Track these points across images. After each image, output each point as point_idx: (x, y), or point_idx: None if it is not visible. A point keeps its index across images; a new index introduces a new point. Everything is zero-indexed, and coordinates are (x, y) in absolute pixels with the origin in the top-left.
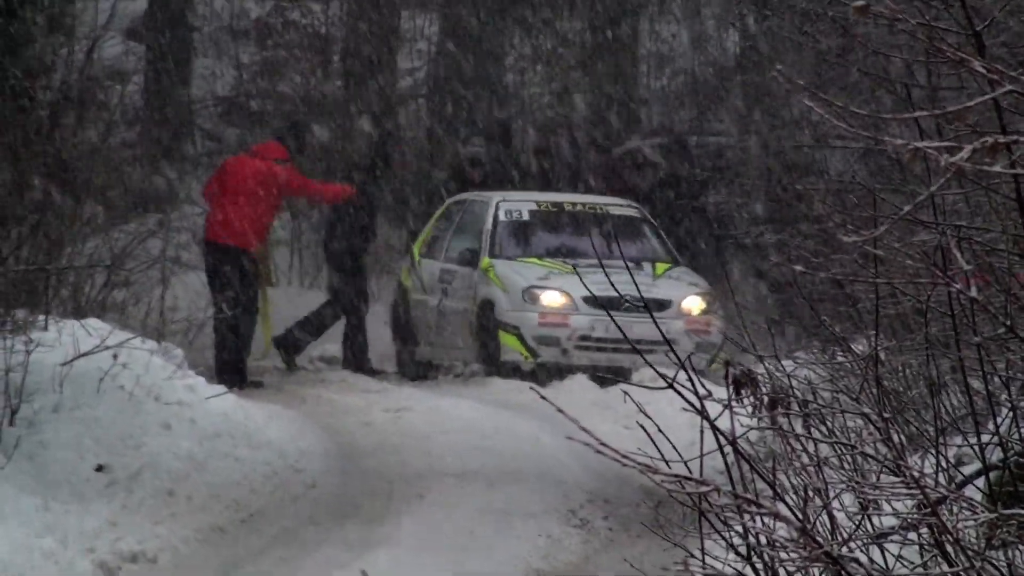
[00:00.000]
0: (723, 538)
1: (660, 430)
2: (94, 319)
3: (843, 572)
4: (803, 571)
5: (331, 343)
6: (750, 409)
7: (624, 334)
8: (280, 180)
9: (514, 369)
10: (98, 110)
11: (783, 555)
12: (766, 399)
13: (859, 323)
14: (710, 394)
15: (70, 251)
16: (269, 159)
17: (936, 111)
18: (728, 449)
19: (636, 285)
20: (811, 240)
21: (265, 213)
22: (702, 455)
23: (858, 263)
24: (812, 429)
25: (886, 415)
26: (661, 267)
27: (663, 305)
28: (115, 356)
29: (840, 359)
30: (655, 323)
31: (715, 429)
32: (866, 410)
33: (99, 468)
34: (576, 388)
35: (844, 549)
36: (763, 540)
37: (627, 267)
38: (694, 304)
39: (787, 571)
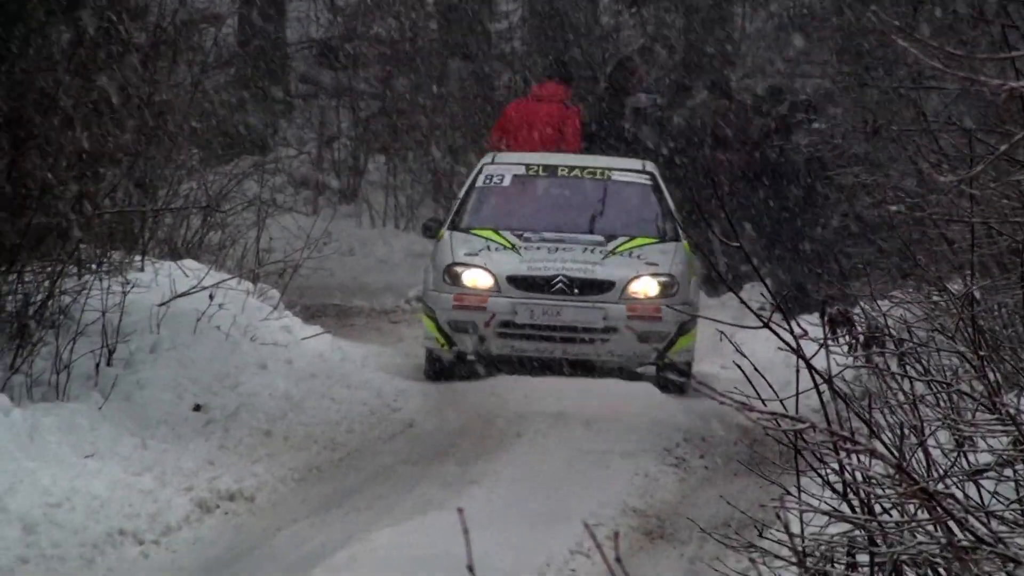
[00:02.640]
0: (819, 475)
1: (756, 369)
2: (190, 260)
3: (939, 508)
4: (899, 508)
5: None
6: (846, 348)
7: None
8: (572, 122)
9: (435, 360)
10: (192, 53)
11: (879, 492)
12: (862, 338)
13: (955, 263)
14: (806, 333)
15: (166, 193)
16: (556, 101)
17: None
18: (824, 388)
19: (576, 264)
20: (907, 180)
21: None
22: (798, 394)
23: (954, 203)
24: (908, 368)
25: (981, 353)
26: (630, 243)
27: (603, 287)
28: (211, 297)
29: (936, 299)
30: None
31: (811, 368)
32: (961, 349)
33: (196, 408)
34: None
35: (940, 485)
36: (859, 477)
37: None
38: (642, 287)
39: (883, 507)
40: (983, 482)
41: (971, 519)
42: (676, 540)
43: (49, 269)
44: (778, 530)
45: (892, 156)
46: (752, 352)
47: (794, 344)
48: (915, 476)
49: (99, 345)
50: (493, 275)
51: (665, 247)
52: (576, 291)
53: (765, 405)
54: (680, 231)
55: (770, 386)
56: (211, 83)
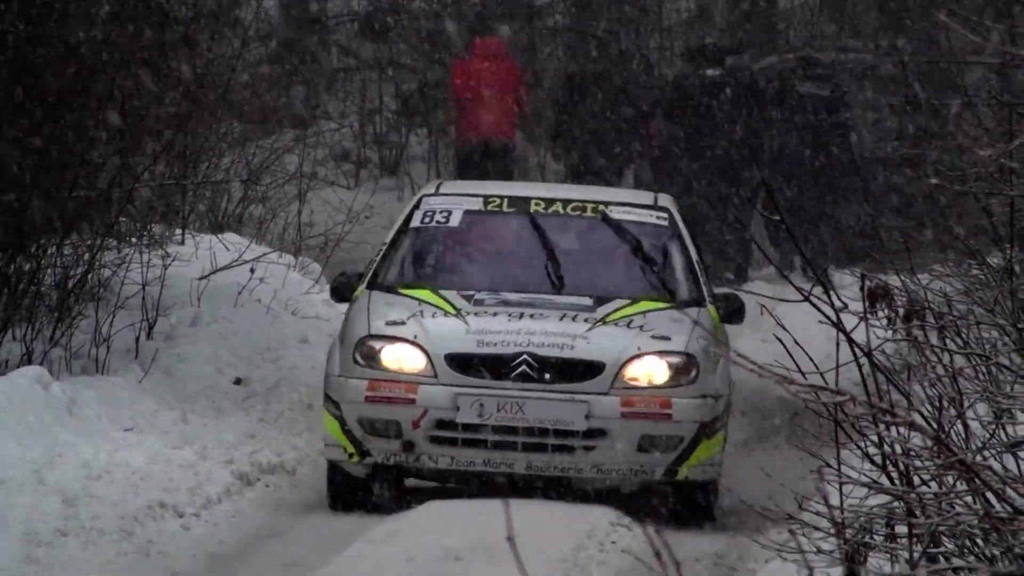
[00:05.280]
0: (858, 447)
1: (796, 342)
2: (231, 234)
3: (977, 480)
4: (937, 479)
5: None
6: (885, 321)
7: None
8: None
9: (342, 476)
10: (233, 26)
11: (917, 464)
12: (901, 311)
13: (994, 236)
14: (846, 307)
15: (207, 166)
16: (503, 57)
17: None
18: (864, 361)
19: (553, 336)
20: (947, 154)
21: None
22: (838, 367)
23: (993, 177)
24: (947, 340)
25: (1021, 326)
26: (631, 308)
27: (589, 370)
28: (252, 270)
29: (975, 272)
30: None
31: (851, 341)
32: (1001, 321)
33: (237, 381)
34: None
35: (978, 457)
36: (898, 449)
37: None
38: (646, 370)
39: (921, 479)
40: (1021, 454)
41: (1009, 490)
42: (721, 509)
43: (89, 242)
44: (817, 502)
45: (932, 130)
46: (792, 326)
47: (834, 317)
48: (954, 448)
49: (139, 319)
50: (427, 353)
51: (680, 314)
52: (547, 377)
53: (805, 378)
54: (706, 291)
55: (810, 359)
56: (253, 56)
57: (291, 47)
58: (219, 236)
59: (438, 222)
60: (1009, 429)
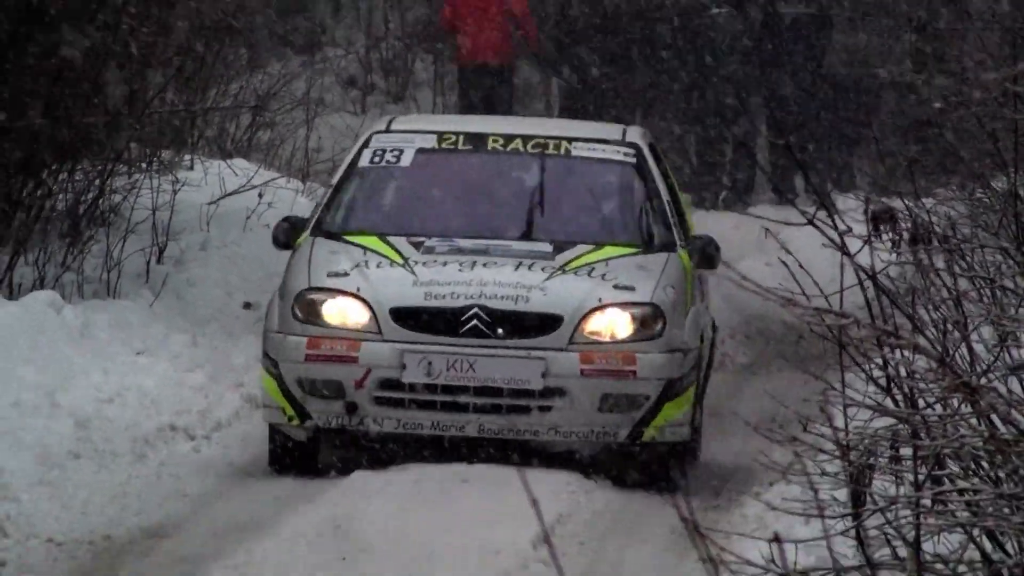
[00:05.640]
0: (863, 371)
1: (801, 266)
2: (240, 159)
3: (981, 402)
4: (942, 402)
5: None
6: (890, 245)
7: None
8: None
9: (283, 438)
10: None
11: (922, 386)
12: (906, 235)
13: (998, 160)
14: (850, 230)
15: (215, 92)
16: None
17: None
18: (868, 284)
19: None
20: (952, 78)
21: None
22: (842, 290)
23: (998, 101)
24: (951, 264)
25: None
26: (594, 255)
27: (546, 324)
28: (260, 195)
29: (979, 196)
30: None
31: (855, 264)
32: (1005, 244)
33: (246, 306)
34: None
35: (983, 380)
36: (902, 372)
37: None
38: (607, 324)
39: (926, 402)
40: None
41: (1014, 412)
42: (726, 433)
43: (100, 168)
44: (822, 425)
45: (937, 54)
46: (796, 249)
47: (838, 241)
48: (958, 371)
49: (149, 243)
50: (370, 307)
51: (649, 260)
52: (500, 332)
53: (809, 301)
54: (678, 235)
55: (815, 282)
56: None
57: None
58: (228, 161)
59: (388, 162)
60: (1013, 352)
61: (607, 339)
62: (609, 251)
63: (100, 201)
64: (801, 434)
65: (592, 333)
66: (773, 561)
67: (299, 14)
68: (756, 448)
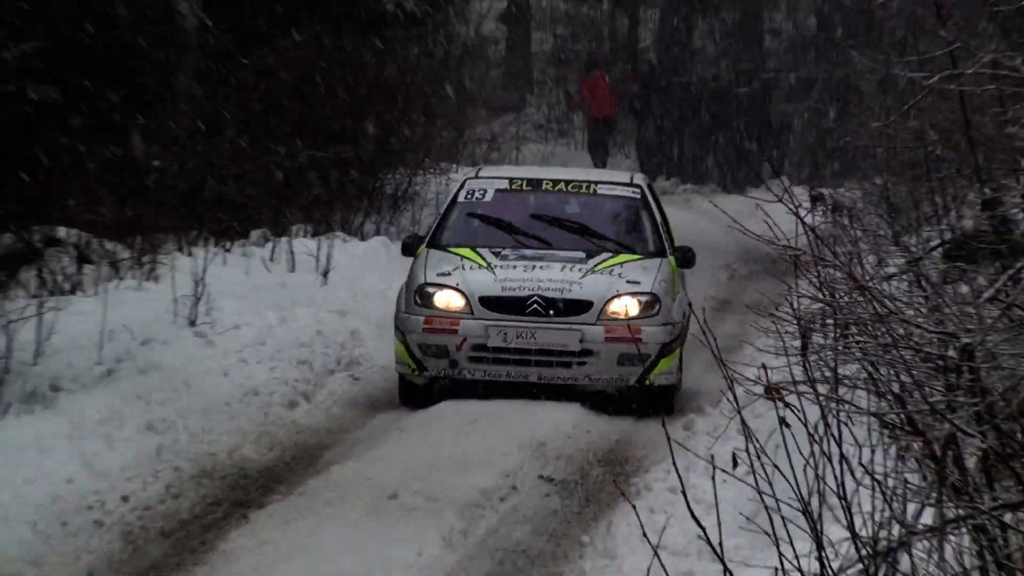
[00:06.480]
0: (807, 279)
1: (776, 224)
2: (485, 166)
3: (870, 294)
4: (849, 294)
5: None
6: (821, 213)
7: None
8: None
9: (408, 383)
10: (478, 61)
11: (838, 286)
12: (830, 207)
13: (879, 167)
14: (800, 205)
15: (469, 132)
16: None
17: None
18: (810, 233)
19: (552, 283)
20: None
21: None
22: (797, 237)
23: (883, 133)
24: (854, 222)
25: (892, 215)
26: (613, 260)
27: (581, 307)
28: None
29: (867, 186)
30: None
31: (802, 222)
32: (881, 212)
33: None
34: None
35: (870, 283)
36: (828, 279)
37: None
38: (622, 306)
39: (841, 294)
40: (893, 281)
41: (887, 301)
42: (733, 311)
43: (409, 171)
44: (787, 306)
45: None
46: (772, 214)
47: (795, 211)
48: (856, 278)
49: (434, 212)
50: (465, 296)
51: (648, 263)
52: (551, 312)
53: (778, 242)
54: (667, 246)
55: (783, 233)
56: (495, 77)
57: (512, 74)
58: (475, 169)
59: (476, 198)
60: (886, 268)
61: (622, 316)
62: (623, 258)
63: (408, 189)
64: (775, 311)
65: (613, 313)
66: (760, 379)
67: (514, 91)
68: (751, 319)
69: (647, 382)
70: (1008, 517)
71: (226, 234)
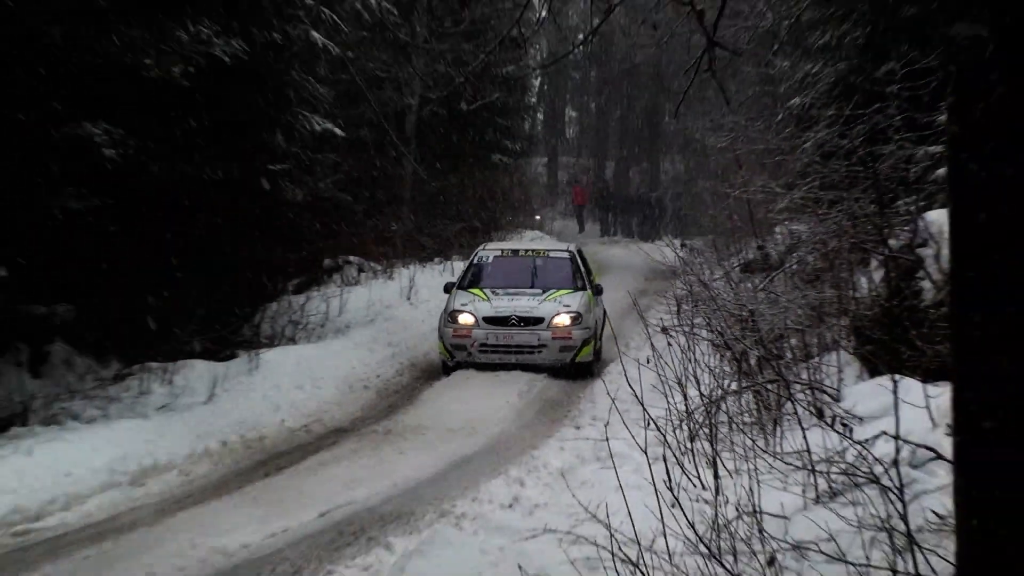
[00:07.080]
0: (683, 280)
1: (665, 256)
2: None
3: (707, 287)
4: (702, 286)
5: None
6: (685, 251)
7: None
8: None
9: (443, 363)
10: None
11: (694, 283)
12: (689, 248)
13: (714, 227)
14: (676, 248)
15: (503, 220)
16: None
17: None
18: (682, 260)
19: (521, 308)
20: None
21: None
22: (676, 262)
23: (726, 208)
24: (700, 255)
25: (717, 251)
26: (556, 293)
27: (539, 321)
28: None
29: (710, 237)
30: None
31: (678, 256)
32: (712, 250)
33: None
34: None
35: (712, 282)
36: (693, 279)
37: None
38: (561, 320)
39: (696, 287)
40: (718, 281)
41: (716, 290)
42: (646, 295)
43: (487, 237)
44: (671, 292)
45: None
46: (664, 252)
47: (675, 250)
48: (702, 279)
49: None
50: (475, 316)
51: (576, 295)
52: (523, 324)
53: (667, 264)
54: (588, 285)
55: (668, 259)
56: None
57: (548, 187)
58: (483, 244)
59: (484, 260)
60: (715, 275)
61: (561, 326)
62: (561, 292)
63: (461, 246)
64: (668, 294)
65: (556, 323)
66: (659, 325)
67: (547, 195)
68: (657, 288)
69: (576, 361)
70: (770, 386)
71: (424, 259)
